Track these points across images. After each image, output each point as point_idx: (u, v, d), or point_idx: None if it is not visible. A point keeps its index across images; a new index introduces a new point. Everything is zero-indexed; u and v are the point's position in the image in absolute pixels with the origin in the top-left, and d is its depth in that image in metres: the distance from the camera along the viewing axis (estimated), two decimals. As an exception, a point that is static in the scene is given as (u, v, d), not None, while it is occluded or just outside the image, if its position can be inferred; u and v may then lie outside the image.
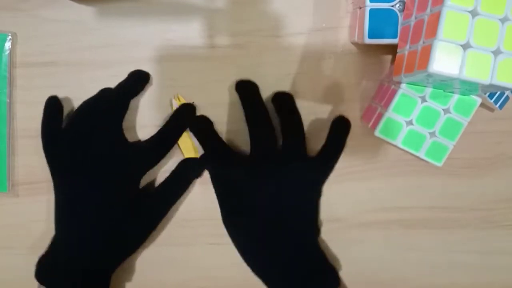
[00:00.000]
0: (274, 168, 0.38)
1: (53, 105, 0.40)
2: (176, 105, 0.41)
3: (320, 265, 0.39)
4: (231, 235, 0.39)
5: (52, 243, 0.38)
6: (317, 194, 0.40)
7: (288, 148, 0.39)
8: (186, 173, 0.41)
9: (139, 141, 0.42)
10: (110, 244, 0.38)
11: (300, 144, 0.39)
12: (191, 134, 0.41)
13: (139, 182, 0.39)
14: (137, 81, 0.41)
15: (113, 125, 0.39)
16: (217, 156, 0.40)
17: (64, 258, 0.37)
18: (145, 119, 0.42)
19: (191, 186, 0.43)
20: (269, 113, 0.39)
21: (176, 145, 0.41)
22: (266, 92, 0.42)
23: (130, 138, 0.41)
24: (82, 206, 0.37)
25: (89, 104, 0.39)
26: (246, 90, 0.41)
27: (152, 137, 0.40)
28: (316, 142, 0.41)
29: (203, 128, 0.41)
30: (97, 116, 0.38)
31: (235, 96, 0.42)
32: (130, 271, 0.45)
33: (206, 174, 0.42)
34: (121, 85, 0.40)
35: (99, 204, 0.37)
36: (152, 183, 0.42)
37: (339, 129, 0.40)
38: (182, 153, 0.42)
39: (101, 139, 0.38)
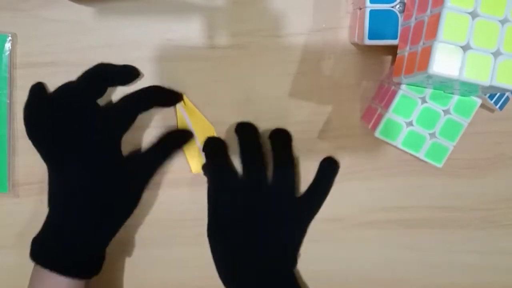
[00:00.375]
0: (264, 196, 0.39)
1: (37, 91, 0.40)
2: (182, 109, 0.41)
3: None
4: (211, 246, 0.39)
5: (45, 223, 0.38)
6: (302, 232, 0.40)
7: (278, 181, 0.39)
8: (172, 143, 0.41)
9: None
10: (101, 215, 0.38)
11: (289, 179, 0.40)
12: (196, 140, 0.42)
13: (120, 148, 0.39)
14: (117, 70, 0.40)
15: (90, 103, 0.38)
16: (218, 168, 0.40)
17: (56, 235, 0.37)
18: (145, 119, 0.42)
19: (191, 185, 0.43)
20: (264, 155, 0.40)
21: None
22: (266, 92, 0.42)
23: (129, 137, 0.40)
24: (70, 183, 0.37)
25: (68, 85, 0.39)
26: (245, 132, 0.41)
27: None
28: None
29: (215, 147, 0.41)
30: (76, 96, 0.38)
31: (235, 96, 0.42)
32: (130, 269, 0.45)
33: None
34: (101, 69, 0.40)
35: (86, 179, 0.37)
36: (136, 150, 0.42)
37: (328, 169, 0.41)
38: (185, 155, 0.43)
39: (78, 111, 0.38)
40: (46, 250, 0.37)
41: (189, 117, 0.42)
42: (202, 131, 0.42)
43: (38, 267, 0.36)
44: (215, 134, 0.42)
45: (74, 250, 0.37)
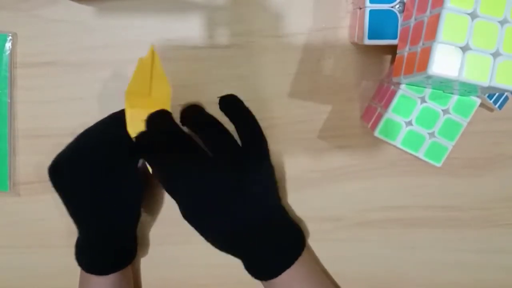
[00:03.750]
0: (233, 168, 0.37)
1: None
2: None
3: (286, 227, 0.39)
4: (197, 229, 0.37)
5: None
6: (267, 168, 0.39)
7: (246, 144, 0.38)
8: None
9: None
10: (120, 212, 0.39)
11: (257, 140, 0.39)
12: None
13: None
14: None
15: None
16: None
17: (85, 241, 0.40)
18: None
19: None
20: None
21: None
22: (266, 92, 0.42)
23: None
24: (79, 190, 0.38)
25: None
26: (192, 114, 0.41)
27: None
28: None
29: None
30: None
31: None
32: (132, 267, 0.45)
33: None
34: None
35: (98, 189, 0.38)
36: None
37: (233, 106, 0.40)
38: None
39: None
40: (79, 254, 0.40)
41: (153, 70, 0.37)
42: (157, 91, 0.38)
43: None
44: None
45: (99, 251, 0.39)
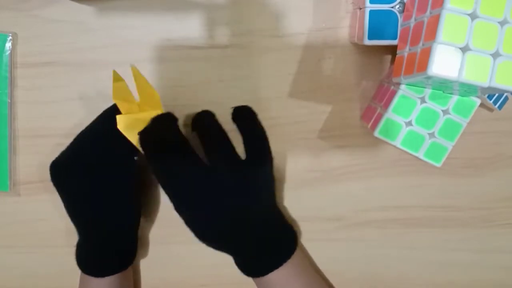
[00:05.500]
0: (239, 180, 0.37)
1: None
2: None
3: (279, 227, 0.40)
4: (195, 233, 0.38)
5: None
6: (266, 172, 0.39)
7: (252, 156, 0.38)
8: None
9: None
10: (120, 213, 0.39)
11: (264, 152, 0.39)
12: None
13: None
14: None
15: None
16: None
17: (85, 243, 0.40)
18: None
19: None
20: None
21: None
22: (266, 92, 0.42)
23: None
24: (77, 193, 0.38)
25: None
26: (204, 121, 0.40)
27: None
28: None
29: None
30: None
31: (235, 96, 0.42)
32: (132, 267, 0.45)
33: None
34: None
35: (97, 190, 0.38)
36: None
37: (246, 118, 0.40)
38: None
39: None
40: (79, 256, 0.40)
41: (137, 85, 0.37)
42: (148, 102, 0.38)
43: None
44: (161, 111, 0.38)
45: (99, 253, 0.39)
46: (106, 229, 0.39)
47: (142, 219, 0.44)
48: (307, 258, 0.45)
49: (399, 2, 0.36)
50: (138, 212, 0.41)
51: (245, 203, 0.37)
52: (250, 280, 0.43)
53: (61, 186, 0.38)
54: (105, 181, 0.37)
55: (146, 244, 0.45)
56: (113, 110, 0.38)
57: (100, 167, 0.37)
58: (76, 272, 0.40)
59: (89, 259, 0.40)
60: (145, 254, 0.46)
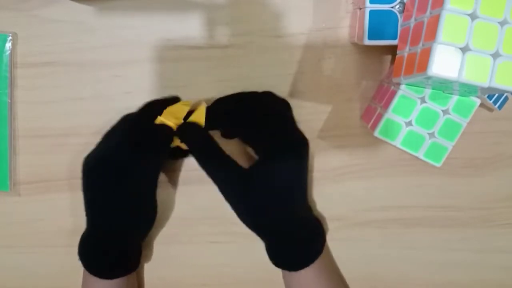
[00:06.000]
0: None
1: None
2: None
3: (311, 223, 0.39)
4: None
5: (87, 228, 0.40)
6: (299, 167, 0.38)
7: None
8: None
9: None
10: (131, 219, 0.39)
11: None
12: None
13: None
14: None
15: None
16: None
17: (92, 244, 0.39)
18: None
19: (191, 185, 0.43)
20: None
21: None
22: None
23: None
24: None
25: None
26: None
27: None
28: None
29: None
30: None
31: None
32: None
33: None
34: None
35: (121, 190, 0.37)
36: None
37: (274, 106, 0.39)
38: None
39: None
40: (83, 256, 0.39)
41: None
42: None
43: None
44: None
45: (106, 255, 0.39)
46: (123, 228, 0.39)
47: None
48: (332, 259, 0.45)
49: (399, 2, 0.36)
50: (155, 215, 0.40)
51: (277, 201, 0.36)
52: (250, 280, 0.43)
53: (92, 179, 0.37)
54: (133, 182, 0.37)
55: (146, 244, 0.45)
56: (139, 113, 0.38)
57: (131, 167, 0.36)
58: (76, 272, 0.40)
59: (95, 260, 0.39)
60: (146, 254, 0.46)
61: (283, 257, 0.38)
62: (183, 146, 0.37)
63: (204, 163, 0.36)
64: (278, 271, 0.39)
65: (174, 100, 0.41)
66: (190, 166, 0.44)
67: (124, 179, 0.36)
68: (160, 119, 0.37)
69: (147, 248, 0.45)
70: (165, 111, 0.38)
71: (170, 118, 0.37)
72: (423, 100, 0.36)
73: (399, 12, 0.36)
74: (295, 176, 0.37)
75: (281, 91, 0.42)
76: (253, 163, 0.36)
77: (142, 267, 0.46)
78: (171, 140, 0.37)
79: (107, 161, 0.36)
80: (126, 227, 0.39)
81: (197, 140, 0.37)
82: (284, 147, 0.37)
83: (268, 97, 0.40)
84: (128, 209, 0.38)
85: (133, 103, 0.42)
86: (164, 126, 0.37)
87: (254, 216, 0.37)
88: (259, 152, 0.39)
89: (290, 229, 0.37)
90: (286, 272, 0.39)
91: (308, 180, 0.39)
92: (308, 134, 0.43)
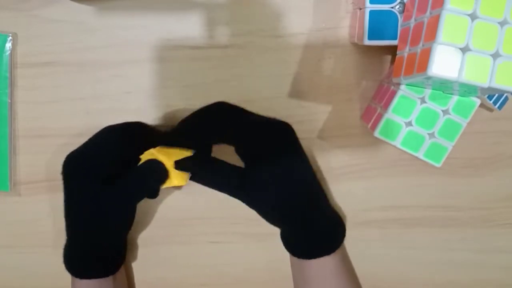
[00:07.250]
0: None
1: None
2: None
3: (331, 214, 0.39)
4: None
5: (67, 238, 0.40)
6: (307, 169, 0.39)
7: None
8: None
9: None
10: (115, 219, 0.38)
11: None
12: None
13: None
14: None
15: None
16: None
17: (73, 246, 0.39)
18: (145, 120, 0.42)
19: (190, 185, 0.43)
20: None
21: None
22: (266, 92, 0.42)
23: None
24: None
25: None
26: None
27: None
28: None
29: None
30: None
31: (235, 96, 0.42)
32: (130, 268, 0.45)
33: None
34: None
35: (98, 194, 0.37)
36: None
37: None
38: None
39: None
40: (67, 259, 0.40)
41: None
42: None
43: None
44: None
45: (88, 256, 0.39)
46: (99, 233, 0.38)
47: (143, 219, 0.44)
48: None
49: (399, 2, 0.36)
50: (133, 220, 0.40)
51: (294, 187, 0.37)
52: (249, 280, 0.43)
53: (70, 181, 0.37)
54: (111, 188, 0.37)
55: (146, 244, 0.45)
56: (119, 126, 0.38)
57: (111, 173, 0.37)
58: (76, 272, 0.40)
59: (76, 261, 0.39)
60: (144, 255, 0.46)
61: (303, 244, 0.38)
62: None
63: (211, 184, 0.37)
64: (279, 270, 0.39)
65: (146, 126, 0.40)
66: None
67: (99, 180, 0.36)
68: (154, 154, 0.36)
69: (147, 248, 0.45)
70: (159, 149, 0.37)
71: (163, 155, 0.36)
72: (423, 100, 0.36)
73: (399, 12, 0.36)
74: (293, 160, 0.37)
75: (281, 91, 0.42)
76: (247, 166, 0.37)
77: (141, 268, 0.46)
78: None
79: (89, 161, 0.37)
80: (97, 233, 0.38)
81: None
82: (268, 133, 0.37)
83: (224, 105, 0.39)
84: (105, 216, 0.37)
85: (133, 103, 0.42)
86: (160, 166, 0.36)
87: (274, 209, 0.37)
88: (246, 157, 0.38)
89: (312, 217, 0.37)
90: (300, 262, 0.38)
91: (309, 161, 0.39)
92: (308, 134, 0.43)
